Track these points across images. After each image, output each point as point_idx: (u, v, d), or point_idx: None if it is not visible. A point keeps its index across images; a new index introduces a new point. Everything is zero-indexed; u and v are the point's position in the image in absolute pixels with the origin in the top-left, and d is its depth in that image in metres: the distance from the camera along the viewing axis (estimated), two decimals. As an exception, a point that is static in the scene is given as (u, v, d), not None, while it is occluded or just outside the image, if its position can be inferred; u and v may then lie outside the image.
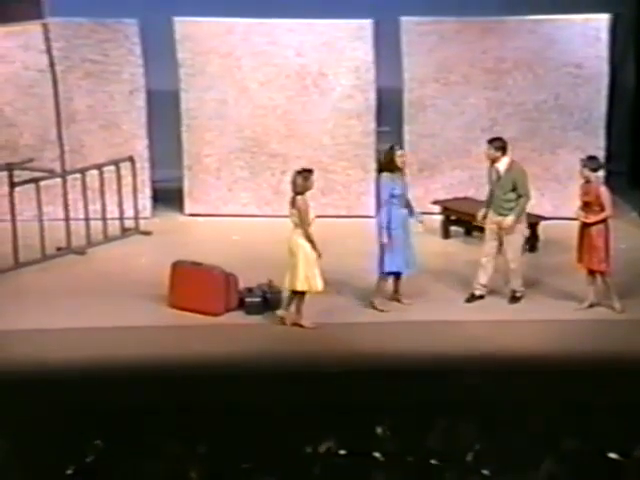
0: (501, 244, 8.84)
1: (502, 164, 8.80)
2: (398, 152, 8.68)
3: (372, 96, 11.42)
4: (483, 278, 8.92)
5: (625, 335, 8.19)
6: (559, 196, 11.25)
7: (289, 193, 11.58)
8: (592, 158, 8.68)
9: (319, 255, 8.25)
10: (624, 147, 11.61)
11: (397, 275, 8.82)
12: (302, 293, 8.37)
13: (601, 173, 8.55)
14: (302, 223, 8.22)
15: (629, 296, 8.81)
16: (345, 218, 10.68)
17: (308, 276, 8.28)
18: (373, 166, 11.48)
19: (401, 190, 8.66)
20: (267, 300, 8.81)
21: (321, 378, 7.39)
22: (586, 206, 8.53)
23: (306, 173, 8.27)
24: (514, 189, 8.76)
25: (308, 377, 7.40)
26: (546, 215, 10.60)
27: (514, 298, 8.93)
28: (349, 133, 11.48)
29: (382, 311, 8.70)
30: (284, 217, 11.33)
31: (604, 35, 10.93)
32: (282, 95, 11.51)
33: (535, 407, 6.78)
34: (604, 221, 8.54)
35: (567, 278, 9.25)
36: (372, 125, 11.47)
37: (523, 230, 9.02)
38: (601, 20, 10.93)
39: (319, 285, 8.31)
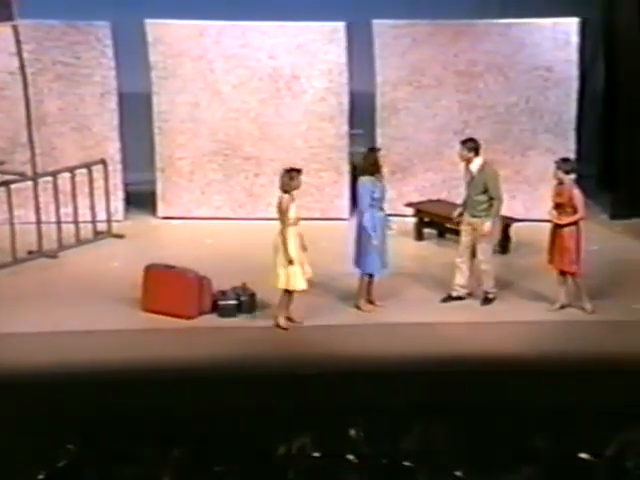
0: (474, 245, 8.87)
1: (474, 165, 8.84)
2: (378, 154, 8.70)
3: (345, 99, 11.43)
4: (460, 279, 8.95)
5: (596, 336, 8.25)
6: (530, 198, 11.31)
7: (263, 196, 11.68)
8: (566, 160, 8.72)
9: (290, 261, 8.22)
10: (594, 150, 11.69)
11: (370, 277, 8.83)
12: (288, 291, 8.36)
13: (573, 175, 8.59)
14: (281, 222, 8.21)
15: (600, 297, 8.88)
16: (318, 221, 10.67)
17: (288, 275, 8.26)
18: (346, 169, 11.50)
19: (380, 193, 8.68)
20: (241, 303, 8.79)
21: (295, 380, 7.38)
22: (558, 207, 8.59)
23: (293, 172, 8.28)
24: (485, 191, 8.80)
25: (282, 379, 7.39)
26: (517, 217, 10.65)
27: (486, 300, 8.97)
28: (322, 136, 11.48)
29: (367, 311, 8.73)
30: (258, 220, 11.41)
31: (574, 39, 11.01)
32: (255, 98, 11.49)
33: (507, 408, 6.80)
34: (576, 223, 8.60)
35: (539, 279, 9.31)
36: (345, 128, 11.47)
37: (495, 232, 9.05)
38: (570, 24, 11.01)
39: (300, 284, 8.30)
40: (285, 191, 8.27)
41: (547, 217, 11.01)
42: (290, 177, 8.26)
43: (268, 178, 11.54)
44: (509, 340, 8.13)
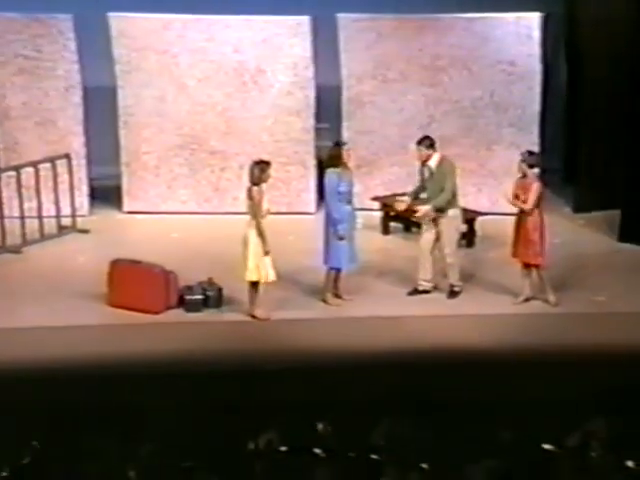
0: (437, 239, 8.90)
1: (433, 161, 8.85)
2: (345, 147, 8.69)
3: (311, 93, 11.41)
4: (424, 274, 8.97)
5: (559, 328, 8.31)
6: (495, 192, 11.35)
7: (229, 190, 11.64)
8: (531, 154, 8.72)
9: (266, 252, 8.21)
10: (558, 144, 11.79)
11: (338, 271, 8.83)
12: (256, 284, 8.34)
13: (537, 170, 8.63)
14: (254, 214, 8.18)
15: (563, 289, 8.95)
16: (285, 215, 10.65)
17: (258, 266, 8.25)
18: (313, 163, 11.50)
19: (347, 186, 8.67)
20: (207, 298, 8.75)
21: (261, 375, 7.36)
22: (517, 199, 8.63)
23: (263, 164, 8.28)
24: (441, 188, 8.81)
25: (249, 374, 7.37)
26: (483, 210, 10.72)
27: (452, 293, 9.00)
28: (288, 130, 11.46)
29: (334, 305, 8.73)
30: (224, 214, 11.37)
31: (536, 33, 11.07)
32: (221, 92, 11.43)
33: (473, 401, 6.84)
34: (540, 215, 8.63)
35: (504, 272, 9.36)
36: (311, 122, 11.46)
37: (458, 225, 9.07)
38: (533, 19, 11.07)
39: (271, 275, 8.30)
40: (255, 183, 8.24)
41: (513, 210, 11.10)
42: (260, 169, 8.26)
43: (234, 172, 11.52)
44: (475, 333, 8.17)
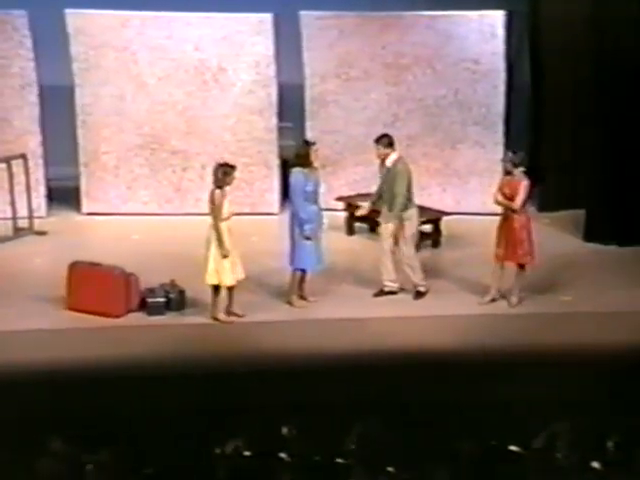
0: (396, 241, 8.92)
1: (390, 160, 8.88)
2: (313, 147, 8.69)
3: (274, 91, 11.41)
4: (387, 274, 9.00)
5: (526, 329, 8.36)
6: (460, 191, 11.47)
7: (190, 190, 11.59)
8: (516, 153, 8.76)
9: (224, 255, 8.19)
10: (522, 142, 11.85)
11: (303, 272, 8.83)
12: (217, 287, 8.34)
13: (522, 168, 8.67)
14: (215, 217, 8.16)
15: (530, 289, 8.97)
16: (248, 215, 10.63)
17: (218, 270, 8.23)
18: (276, 162, 11.50)
19: (314, 186, 8.67)
20: (170, 300, 8.71)
21: (226, 378, 7.34)
22: (506, 199, 8.63)
23: (227, 168, 8.27)
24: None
25: (212, 378, 7.34)
26: (448, 210, 10.78)
27: (418, 293, 9.03)
28: (251, 129, 11.44)
29: (300, 307, 8.73)
30: (186, 215, 11.32)
31: (500, 31, 11.17)
32: (181, 91, 11.38)
33: (439, 403, 6.88)
34: (526, 214, 8.66)
35: (470, 273, 9.43)
36: (274, 121, 11.46)
37: (414, 226, 9.01)
38: (496, 17, 11.17)
39: (228, 280, 8.28)
40: (218, 186, 8.22)
41: (477, 210, 11.16)
42: (224, 172, 8.25)
43: (196, 172, 11.48)
44: (441, 334, 8.21)
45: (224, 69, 11.36)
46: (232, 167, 8.29)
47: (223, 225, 8.22)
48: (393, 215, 8.79)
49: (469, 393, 7.05)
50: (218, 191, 8.24)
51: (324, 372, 7.43)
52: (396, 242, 8.92)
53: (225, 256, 8.19)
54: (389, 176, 8.82)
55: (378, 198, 9.01)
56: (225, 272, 8.25)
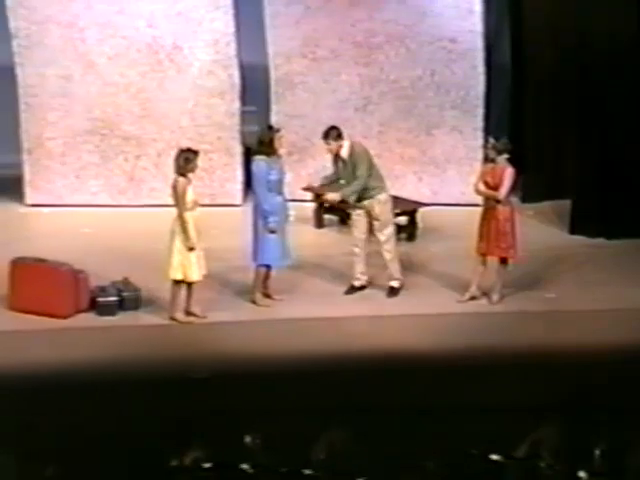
0: (370, 230, 8.94)
1: (344, 151, 8.86)
2: (277, 133, 8.67)
3: (235, 72, 11.36)
4: (359, 267, 9.02)
5: (508, 328, 8.44)
6: (437, 181, 11.48)
7: (145, 180, 11.52)
8: (498, 139, 8.76)
9: (190, 248, 8.17)
10: (503, 128, 11.89)
11: (268, 268, 8.82)
12: (180, 283, 8.32)
13: (507, 155, 8.69)
14: (178, 207, 8.16)
15: (512, 286, 9.01)
16: (208, 207, 10.56)
17: (184, 264, 8.22)
18: (239, 150, 11.45)
19: (278, 175, 8.65)
20: (122, 300, 8.67)
21: (184, 384, 7.33)
22: (488, 189, 8.64)
23: (189, 154, 8.27)
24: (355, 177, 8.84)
25: (169, 383, 7.32)
26: (424, 201, 10.79)
27: (392, 290, 9.05)
28: (211, 113, 11.39)
29: (265, 306, 8.73)
30: (140, 207, 11.25)
31: (477, 8, 11.19)
32: (134, 71, 11.31)
33: (414, 407, 6.91)
34: (511, 204, 8.68)
35: (449, 268, 9.47)
36: (236, 105, 11.41)
37: (389, 211, 8.96)
38: (474, -9, 11.21)
39: (195, 275, 8.27)
40: (180, 174, 8.22)
41: (456, 200, 11.18)
42: (186, 159, 8.24)
43: (151, 160, 11.42)
44: (417, 335, 8.25)
45: (180, 48, 11.30)
46: (195, 153, 8.30)
47: (188, 216, 8.19)
48: (345, 192, 8.78)
49: (447, 398, 7.08)
50: (181, 179, 8.23)
51: (290, 376, 7.44)
52: (370, 230, 8.92)
53: (191, 249, 8.18)
54: (347, 167, 8.82)
55: (330, 182, 9.05)
56: (191, 266, 8.25)
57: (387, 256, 8.96)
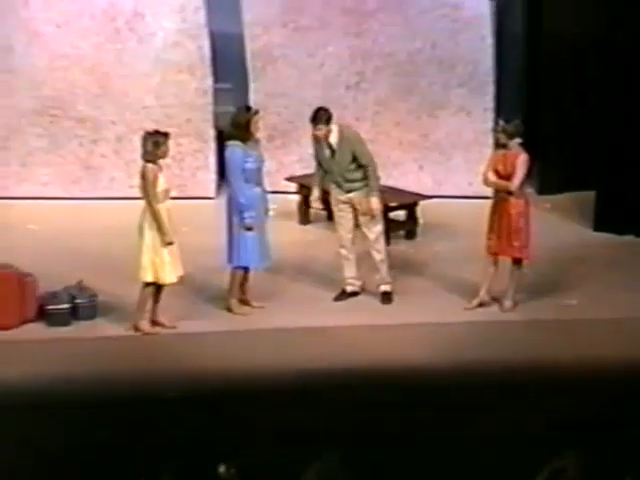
0: (357, 225, 8.98)
1: (334, 137, 8.89)
2: (255, 116, 8.69)
3: (206, 44, 11.40)
4: (350, 270, 9.07)
5: (523, 340, 8.48)
6: (442, 169, 11.55)
7: (103, 168, 11.53)
8: (509, 121, 8.77)
9: (167, 243, 8.22)
10: (517, 108, 11.95)
11: (245, 270, 8.86)
12: (150, 286, 8.36)
13: (519, 139, 8.73)
14: (148, 198, 8.21)
15: (527, 291, 9.08)
16: (177, 200, 10.58)
17: (155, 263, 8.25)
18: (211, 134, 11.48)
19: (255, 163, 8.68)
20: (77, 307, 8.69)
21: (148, 405, 7.34)
22: (500, 179, 8.68)
23: (158, 137, 8.33)
24: (354, 159, 8.88)
25: (131, 404, 7.34)
26: (426, 193, 10.85)
27: (387, 296, 9.10)
28: (179, 91, 11.43)
29: (242, 314, 8.78)
30: (97, 199, 11.27)
31: (484, -32, 11.28)
32: (88, 42, 11.34)
33: (415, 433, 6.95)
34: (524, 197, 8.71)
35: (454, 270, 9.54)
36: (208, 81, 11.46)
37: (379, 202, 8.97)
38: (480, -53, 11.27)
39: (168, 277, 8.31)
40: (148, 160, 8.26)
41: (462, 192, 11.23)
42: (155, 143, 8.29)
43: (110, 146, 11.45)
44: (418, 347, 8.28)
45: (141, 14, 11.33)
46: (165, 135, 8.36)
47: (160, 207, 8.23)
48: (374, 191, 8.81)
49: (453, 421, 7.13)
50: (150, 166, 8.28)
51: (271, 396, 7.46)
52: (357, 225, 8.95)
53: (169, 243, 8.23)
54: (336, 155, 8.84)
55: (321, 179, 9.04)
56: (164, 266, 8.29)
57: (377, 257, 9.02)
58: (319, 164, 9.03)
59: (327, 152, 8.92)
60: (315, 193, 9.10)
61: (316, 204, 9.22)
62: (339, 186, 8.93)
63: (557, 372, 7.83)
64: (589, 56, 11.10)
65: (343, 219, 9.00)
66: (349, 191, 8.92)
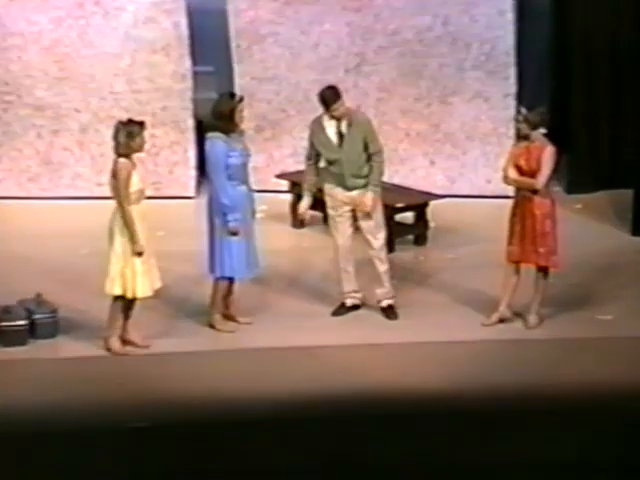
0: (357, 230, 8.96)
1: (345, 117, 8.84)
2: (239, 104, 8.69)
3: (183, 20, 11.41)
4: (350, 284, 9.06)
5: (550, 360, 8.47)
6: (456, 165, 11.56)
7: (66, 163, 11.51)
8: (531, 109, 8.76)
9: (138, 252, 8.20)
10: (541, 94, 11.96)
11: (230, 281, 8.87)
12: (120, 299, 8.34)
13: (543, 129, 8.72)
14: (119, 198, 8.21)
15: (555, 304, 9.08)
16: (152, 200, 10.58)
17: (125, 274, 8.26)
18: (191, 124, 11.48)
19: (241, 158, 8.69)
20: (34, 324, 8.68)
21: (117, 435, 7.34)
22: (522, 175, 8.68)
23: (132, 127, 8.31)
24: (365, 149, 8.87)
25: (98, 434, 7.34)
26: (437, 192, 10.85)
27: (391, 310, 9.08)
28: (153, 75, 11.43)
29: (226, 331, 8.78)
30: (58, 199, 11.25)
31: None
32: (45, 17, 11.33)
33: (424, 467, 6.95)
34: (550, 196, 8.68)
35: (469, 280, 9.53)
36: (187, 64, 11.46)
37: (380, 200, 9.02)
38: None
39: (141, 288, 8.30)
40: (120, 154, 8.25)
41: (479, 191, 11.22)
42: (128, 134, 8.28)
43: (73, 137, 11.46)
44: (429, 369, 8.28)
45: (108, -15, 11.36)
46: (140, 125, 8.33)
47: (133, 209, 8.23)
48: (375, 186, 8.80)
49: (467, 453, 7.13)
50: (122, 161, 8.27)
51: (259, 425, 7.46)
52: (356, 229, 8.94)
53: (139, 253, 8.22)
54: (347, 142, 8.82)
55: (316, 175, 8.98)
56: (135, 277, 8.27)
57: (382, 267, 9.01)
58: (315, 158, 8.96)
59: (334, 139, 8.86)
60: (305, 201, 8.99)
61: (305, 214, 9.09)
62: (342, 182, 8.88)
63: (589, 398, 7.84)
64: (627, 31, 11.11)
65: (341, 224, 8.96)
66: (353, 188, 8.91)
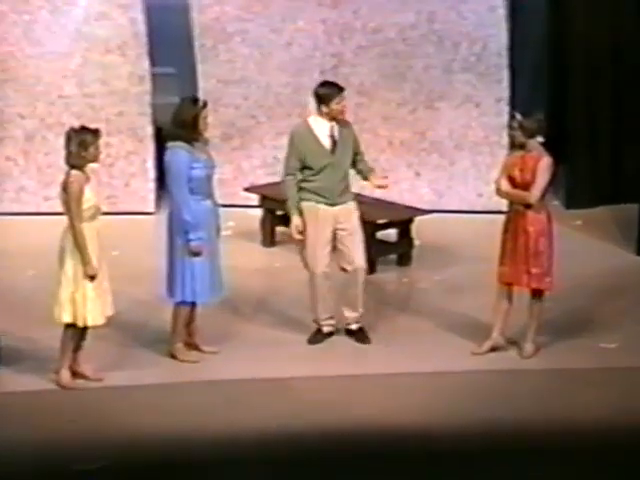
0: (334, 247, 8.99)
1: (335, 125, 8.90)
2: (203, 110, 8.69)
3: (139, 16, 11.43)
4: (327, 310, 9.08)
5: (548, 393, 8.50)
6: (443, 177, 11.60)
7: (10, 175, 11.49)
8: (527, 114, 8.77)
9: (90, 276, 8.18)
10: (536, 99, 12.01)
11: (192, 306, 8.86)
12: (71, 327, 8.31)
13: (540, 137, 8.74)
14: (71, 215, 8.20)
15: (554, 331, 9.12)
16: (107, 215, 10.58)
17: (75, 300, 8.23)
18: (150, 132, 11.48)
19: (205, 170, 8.69)
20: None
21: (68, 478, 7.31)
22: (515, 187, 8.70)
23: (85, 135, 8.30)
24: (355, 154, 8.98)
25: (46, 477, 7.30)
26: (423, 207, 10.90)
27: (361, 333, 9.09)
28: (107, 77, 11.46)
29: (190, 362, 8.77)
30: (1, 215, 11.20)
31: None
32: (-15, 12, 11.36)
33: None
34: (546, 211, 8.71)
35: (458, 304, 9.58)
36: (145, 64, 11.49)
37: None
38: None
39: (91, 317, 8.27)
40: (74, 166, 8.24)
41: (469, 206, 11.28)
42: (81, 143, 8.26)
43: (17, 146, 11.48)
44: (414, 403, 8.30)
45: (56, -24, 11.38)
46: (94, 133, 8.33)
47: (87, 228, 8.22)
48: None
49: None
50: (74, 173, 8.25)
51: (225, 467, 7.44)
52: (333, 248, 8.96)
53: (91, 277, 8.21)
54: (344, 145, 8.88)
55: (300, 190, 8.97)
56: (86, 303, 8.25)
57: (360, 289, 9.03)
58: (300, 170, 8.95)
59: (326, 143, 8.88)
60: (296, 220, 8.94)
61: (299, 234, 9.02)
62: (327, 195, 8.89)
63: (590, 434, 7.85)
64: (628, 32, 11.17)
65: (320, 249, 8.95)
66: (336, 204, 8.92)
